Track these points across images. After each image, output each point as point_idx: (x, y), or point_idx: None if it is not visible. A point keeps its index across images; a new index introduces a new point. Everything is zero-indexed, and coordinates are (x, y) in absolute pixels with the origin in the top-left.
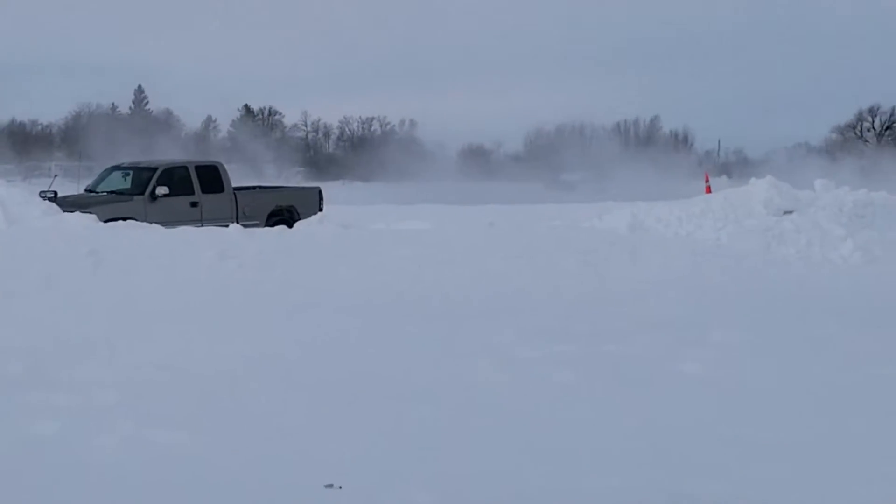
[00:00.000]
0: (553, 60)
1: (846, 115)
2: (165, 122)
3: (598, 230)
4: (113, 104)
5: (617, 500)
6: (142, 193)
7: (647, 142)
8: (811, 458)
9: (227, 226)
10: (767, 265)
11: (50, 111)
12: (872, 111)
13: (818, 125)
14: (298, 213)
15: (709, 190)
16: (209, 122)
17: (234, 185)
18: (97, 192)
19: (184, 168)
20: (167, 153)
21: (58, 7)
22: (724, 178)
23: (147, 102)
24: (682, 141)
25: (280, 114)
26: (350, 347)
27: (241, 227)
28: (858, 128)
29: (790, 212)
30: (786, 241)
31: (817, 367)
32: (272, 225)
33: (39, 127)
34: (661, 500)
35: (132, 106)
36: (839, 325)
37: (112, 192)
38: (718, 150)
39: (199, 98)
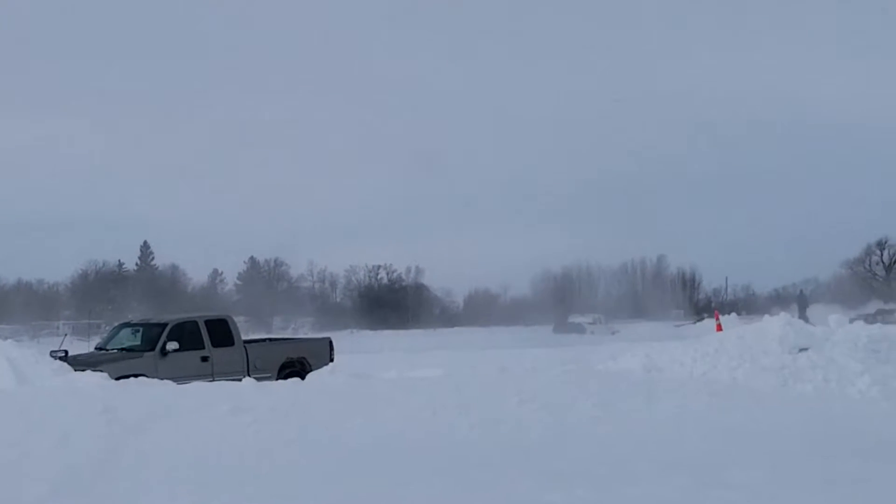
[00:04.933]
0: (557, 202)
1: (855, 250)
2: (172, 277)
3: (613, 372)
4: (119, 261)
5: None
6: (152, 350)
7: (654, 281)
8: None
9: (239, 379)
10: (785, 403)
11: (56, 270)
12: (881, 244)
13: (826, 260)
14: (310, 365)
15: (720, 328)
16: (215, 275)
17: (243, 337)
18: (108, 350)
19: (193, 323)
20: (175, 308)
21: (61, 165)
22: (733, 315)
23: (153, 258)
24: (689, 279)
25: (286, 264)
26: (371, 500)
27: (254, 381)
28: (867, 261)
29: (805, 349)
30: (802, 378)
31: None
32: (284, 377)
33: (46, 286)
34: None
35: (138, 262)
36: (860, 462)
37: (122, 349)
38: (726, 287)
39: (204, 251)
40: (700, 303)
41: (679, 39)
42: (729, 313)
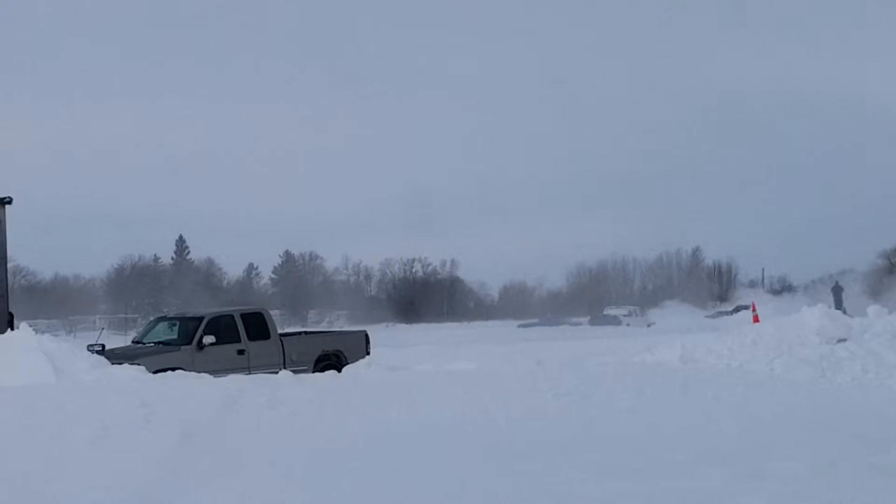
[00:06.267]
0: (593, 195)
1: (892, 240)
2: (207, 271)
3: (650, 364)
4: (155, 255)
5: None
6: (189, 343)
7: (689, 273)
8: None
9: (275, 372)
10: (823, 394)
11: (92, 264)
12: None
13: (863, 251)
14: (346, 358)
15: (756, 319)
16: (251, 269)
17: (279, 331)
18: (145, 344)
19: (229, 316)
20: (211, 302)
21: (96, 161)
22: (770, 306)
23: (188, 252)
24: (725, 271)
25: (321, 258)
26: (408, 492)
27: (291, 374)
28: None
29: (843, 339)
30: (841, 369)
31: (882, 499)
32: (320, 370)
33: (82, 281)
34: None
35: (174, 256)
36: None
37: (159, 342)
38: (763, 278)
39: (239, 245)
40: (736, 294)
41: (715, 26)
42: (766, 305)
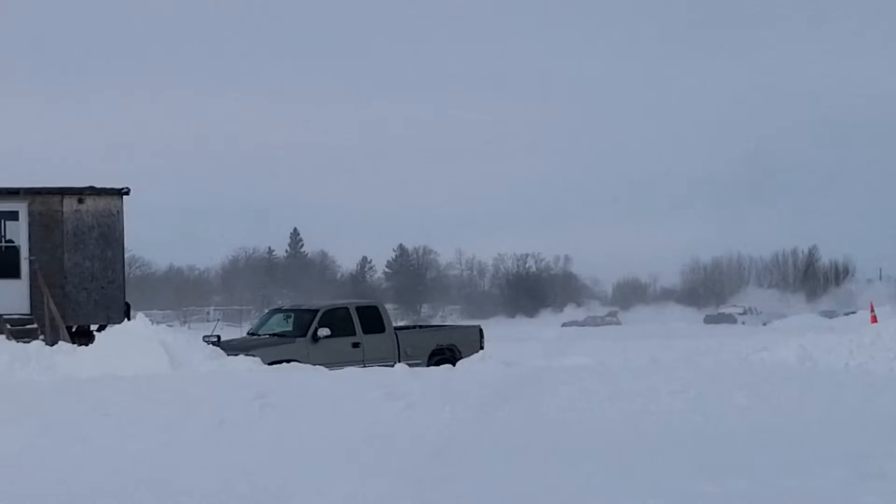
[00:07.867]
0: (708, 191)
1: None
2: (321, 264)
3: (767, 362)
4: (269, 248)
5: None
6: (304, 335)
7: (806, 272)
8: None
9: (390, 366)
10: None
11: (207, 256)
12: None
13: None
14: (460, 352)
15: (875, 319)
16: (364, 262)
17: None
18: (260, 335)
19: (344, 309)
20: (324, 295)
21: (212, 154)
22: (888, 307)
23: (302, 245)
24: (842, 270)
25: (435, 252)
26: (523, 489)
27: (407, 367)
28: None
29: None
30: None
31: None
32: (434, 364)
33: (197, 272)
34: None
35: (288, 249)
36: None
37: (274, 334)
38: (880, 278)
39: (353, 239)
40: (853, 294)
41: (828, 24)
42: (884, 305)
